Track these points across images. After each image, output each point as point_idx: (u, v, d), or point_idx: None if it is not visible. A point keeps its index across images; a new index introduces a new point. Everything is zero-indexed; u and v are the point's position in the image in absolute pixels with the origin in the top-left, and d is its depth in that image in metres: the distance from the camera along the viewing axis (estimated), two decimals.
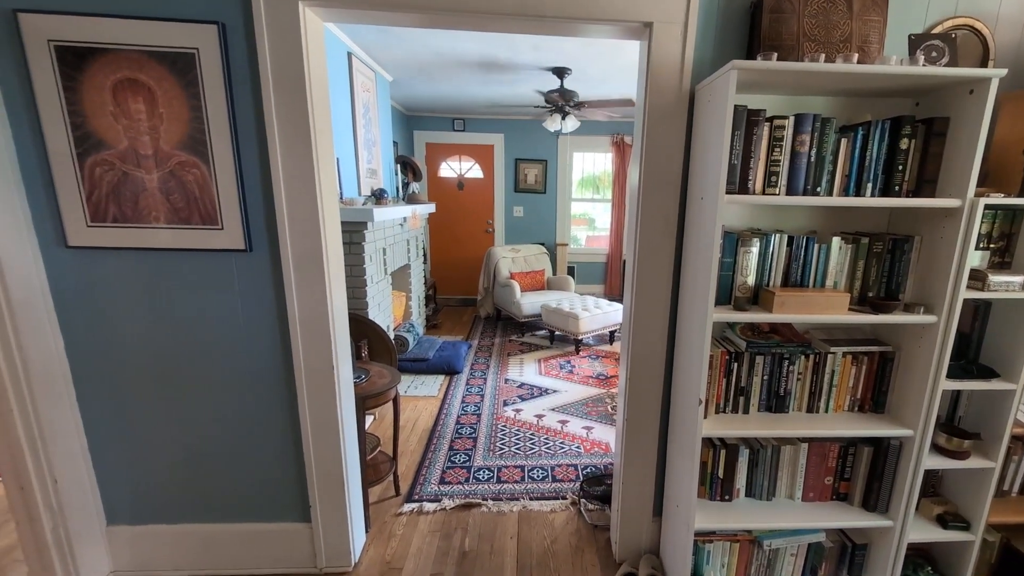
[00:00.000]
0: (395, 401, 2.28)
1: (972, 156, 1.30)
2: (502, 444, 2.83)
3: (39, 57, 1.39)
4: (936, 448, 1.58)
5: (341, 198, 3.01)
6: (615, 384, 3.76)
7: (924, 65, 1.35)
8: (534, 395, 3.54)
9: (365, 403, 2.03)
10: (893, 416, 1.60)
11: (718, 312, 1.43)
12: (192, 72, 1.45)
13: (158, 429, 1.72)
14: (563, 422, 3.12)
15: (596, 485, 2.37)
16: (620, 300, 6.05)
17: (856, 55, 1.30)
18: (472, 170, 6.42)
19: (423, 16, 1.50)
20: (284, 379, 1.71)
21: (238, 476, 1.79)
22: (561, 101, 4.13)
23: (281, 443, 1.76)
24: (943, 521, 1.65)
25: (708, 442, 1.63)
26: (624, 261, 6.63)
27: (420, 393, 3.50)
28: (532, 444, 2.83)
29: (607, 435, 2.95)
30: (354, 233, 2.92)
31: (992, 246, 1.52)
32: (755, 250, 1.47)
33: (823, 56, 1.31)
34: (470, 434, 2.94)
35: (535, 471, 2.55)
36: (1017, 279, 1.41)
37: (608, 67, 3.85)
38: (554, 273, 6.35)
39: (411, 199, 4.17)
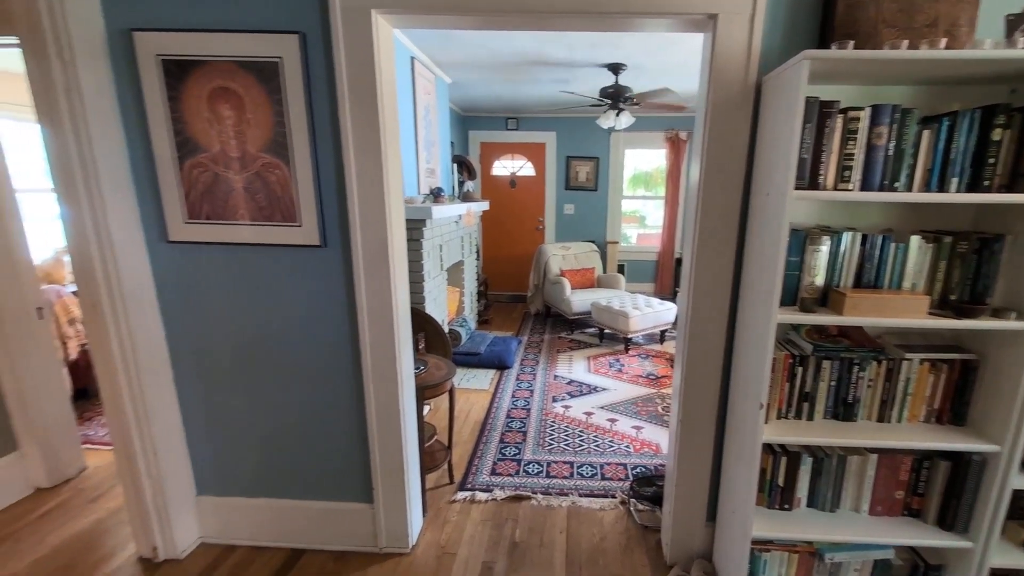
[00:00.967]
0: (451, 393, 2.35)
1: None
2: (551, 439, 2.84)
3: (148, 70, 1.55)
4: None
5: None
6: (666, 384, 3.68)
7: None
8: (583, 392, 3.53)
9: (423, 393, 2.10)
10: (976, 430, 1.48)
11: (783, 313, 1.38)
12: (276, 80, 1.56)
13: (241, 410, 1.87)
14: (612, 420, 3.09)
15: (647, 486, 2.34)
16: (671, 299, 5.89)
17: (944, 40, 1.21)
18: (524, 168, 6.46)
19: (486, 18, 1.53)
20: (352, 368, 1.80)
21: (309, 457, 1.90)
22: (615, 97, 4.08)
23: (348, 428, 1.86)
24: None
25: (768, 448, 1.57)
26: (677, 259, 6.46)
27: (472, 386, 3.57)
28: (581, 441, 2.83)
29: (657, 436, 2.90)
30: (414, 230, 3.02)
31: None
32: (824, 249, 1.40)
33: (906, 43, 1.22)
34: (520, 428, 2.98)
35: (584, 468, 2.55)
36: None
37: (667, 61, 3.76)
38: (604, 271, 6.28)
39: (466, 197, 4.25)
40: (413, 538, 1.98)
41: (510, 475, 2.48)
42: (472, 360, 3.93)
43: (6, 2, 1.40)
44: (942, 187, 1.31)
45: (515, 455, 2.67)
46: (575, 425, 3.03)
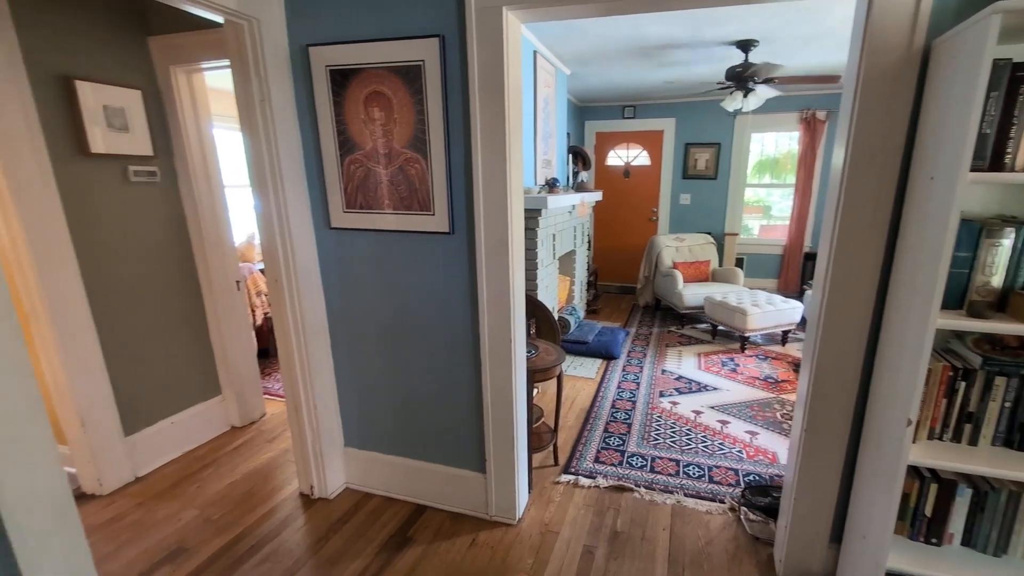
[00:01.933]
0: (559, 378, 2.41)
1: None
2: (656, 434, 2.78)
3: (320, 80, 1.80)
4: None
5: None
6: (786, 389, 3.38)
7: None
8: (692, 390, 3.38)
9: (534, 376, 2.19)
10: None
11: (945, 318, 1.19)
12: (418, 81, 1.71)
13: (380, 375, 2.12)
14: (723, 422, 2.93)
15: (760, 495, 2.19)
16: (797, 297, 5.33)
17: None
18: (639, 157, 6.25)
19: (615, 4, 1.50)
20: (472, 346, 1.94)
21: (434, 424, 2.09)
22: (745, 77, 3.76)
23: (467, 401, 2.02)
24: None
25: (914, 471, 1.39)
26: (806, 253, 5.81)
27: (578, 374, 3.61)
28: (688, 440, 2.73)
29: (774, 443, 2.69)
30: (530, 219, 3.12)
31: None
32: (1007, 243, 1.18)
33: None
34: (624, 419, 2.96)
35: (691, 468, 2.46)
36: None
37: (806, 33, 3.38)
38: (720, 264, 5.87)
39: (580, 187, 4.25)
40: (519, 511, 2.09)
41: (613, 465, 2.48)
42: (579, 348, 3.96)
43: (222, 33, 1.72)
44: None
45: (619, 446, 2.67)
46: (682, 423, 2.92)
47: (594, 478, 2.36)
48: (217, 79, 2.78)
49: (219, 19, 1.66)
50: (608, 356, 3.90)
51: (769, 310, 4.06)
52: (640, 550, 1.92)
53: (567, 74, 4.38)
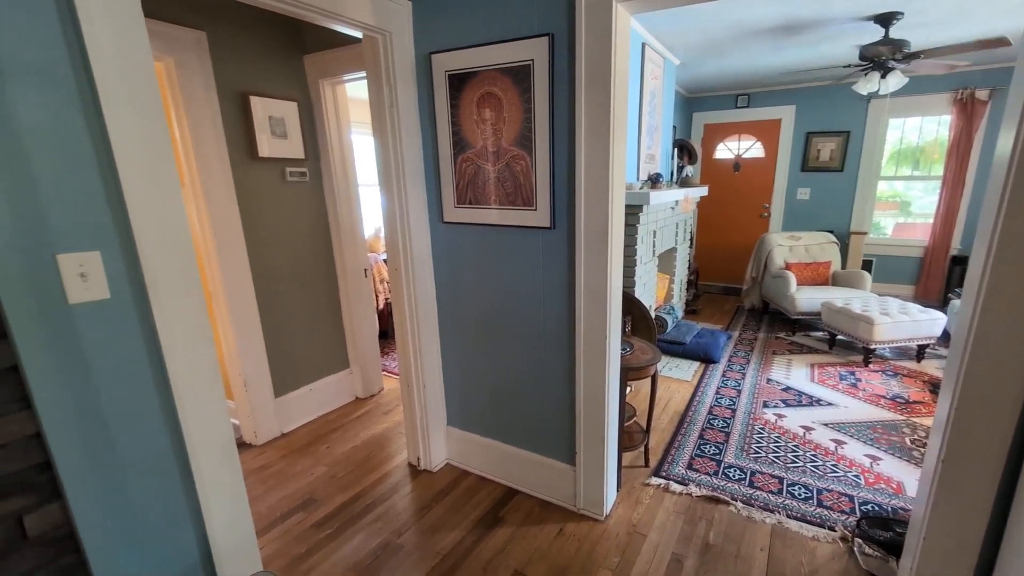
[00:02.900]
0: (653, 378, 2.32)
1: None
2: (758, 448, 2.56)
3: (440, 85, 1.89)
4: None
5: None
6: (919, 412, 2.91)
7: None
8: (802, 403, 3.05)
9: (627, 374, 2.13)
10: None
11: None
12: (527, 80, 1.72)
13: (480, 360, 2.21)
14: (838, 442, 2.61)
15: (880, 528, 1.93)
16: (939, 307, 4.55)
17: None
18: (752, 149, 5.72)
19: None
20: (567, 339, 1.94)
21: (528, 412, 2.14)
22: (885, 55, 3.24)
23: (560, 392, 2.02)
24: None
25: None
26: (954, 257, 4.92)
27: (674, 375, 3.45)
28: (795, 457, 2.48)
29: (900, 472, 2.34)
30: (630, 215, 3.01)
31: None
32: None
33: None
34: (722, 427, 2.77)
35: (796, 487, 2.23)
36: None
37: (963, 1, 2.82)
38: (843, 266, 5.20)
39: (684, 183, 4.01)
40: (607, 508, 2.06)
41: (707, 474, 2.34)
42: (676, 349, 3.77)
43: (360, 48, 1.89)
44: None
45: (715, 454, 2.50)
46: (788, 437, 2.66)
47: (686, 485, 2.25)
48: (354, 90, 3.06)
49: (358, 34, 1.82)
50: (707, 359, 3.67)
51: (902, 320, 3.51)
52: (733, 568, 1.79)
53: (676, 64, 4.13)
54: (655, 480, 2.29)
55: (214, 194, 2.28)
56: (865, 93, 3.60)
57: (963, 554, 1.45)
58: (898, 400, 3.08)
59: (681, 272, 4.53)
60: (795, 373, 3.50)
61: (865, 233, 5.23)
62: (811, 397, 3.13)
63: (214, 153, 2.26)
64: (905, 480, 2.28)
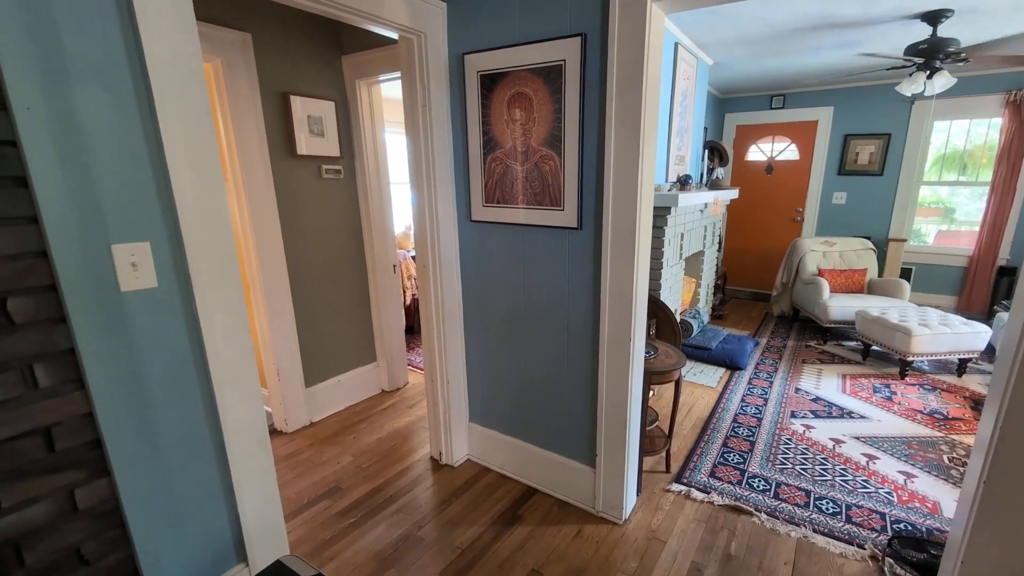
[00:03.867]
0: (677, 383, 2.28)
1: None
2: (784, 459, 2.49)
3: (472, 85, 1.91)
4: None
5: None
6: (959, 429, 2.77)
7: None
8: (832, 415, 2.95)
9: (651, 378, 2.10)
10: None
11: None
12: (558, 81, 1.71)
13: (504, 359, 2.21)
14: (870, 457, 2.51)
15: (914, 549, 1.85)
16: (983, 320, 4.32)
17: None
18: (786, 152, 5.55)
19: None
20: (591, 341, 1.92)
21: (549, 412, 2.13)
22: (933, 55, 3.09)
23: (582, 393, 2.01)
24: None
25: None
26: (1000, 267, 4.67)
27: (698, 381, 3.38)
28: (823, 470, 2.39)
29: (937, 491, 2.24)
30: (658, 218, 2.97)
31: None
32: None
33: None
34: (747, 436, 2.70)
35: (824, 502, 2.16)
36: None
37: None
38: (880, 274, 5.00)
39: (714, 185, 3.93)
40: (626, 512, 2.03)
41: (730, 483, 2.29)
42: (701, 354, 3.69)
43: (396, 50, 1.92)
44: None
45: (738, 463, 2.44)
46: (817, 450, 2.57)
47: (708, 493, 2.20)
48: (388, 90, 3.11)
49: (394, 35, 1.84)
50: (732, 366, 3.58)
51: (943, 332, 3.35)
52: None
53: (709, 64, 4.04)
54: (676, 486, 2.25)
55: (254, 190, 2.36)
56: (908, 94, 3.44)
57: None
58: (936, 416, 2.94)
59: (708, 276, 4.44)
60: (825, 383, 3.38)
61: (904, 240, 5.01)
62: (842, 409, 3.02)
63: (255, 150, 2.33)
64: (942, 500, 2.18)
